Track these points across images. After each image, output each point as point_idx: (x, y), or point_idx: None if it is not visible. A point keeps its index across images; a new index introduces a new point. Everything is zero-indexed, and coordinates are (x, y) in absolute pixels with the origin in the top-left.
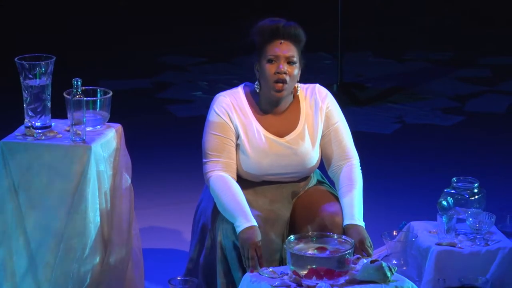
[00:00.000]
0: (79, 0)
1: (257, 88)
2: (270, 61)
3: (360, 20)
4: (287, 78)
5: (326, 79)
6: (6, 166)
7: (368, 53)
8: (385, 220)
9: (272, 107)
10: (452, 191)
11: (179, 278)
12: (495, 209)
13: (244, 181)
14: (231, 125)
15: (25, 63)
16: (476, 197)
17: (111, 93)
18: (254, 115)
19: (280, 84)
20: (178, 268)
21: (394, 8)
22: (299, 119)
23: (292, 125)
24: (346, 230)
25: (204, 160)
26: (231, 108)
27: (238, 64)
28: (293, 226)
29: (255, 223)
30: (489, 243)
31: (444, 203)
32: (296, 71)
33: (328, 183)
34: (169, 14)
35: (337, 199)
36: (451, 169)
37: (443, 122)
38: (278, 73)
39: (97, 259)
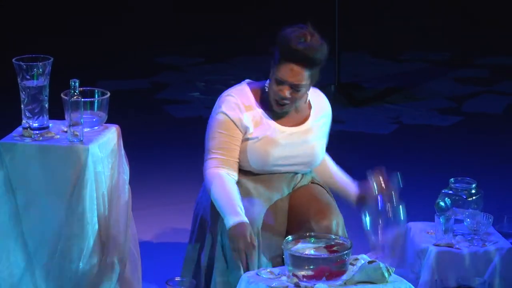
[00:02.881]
0: (79, 0)
1: (267, 88)
2: (277, 81)
3: (357, 20)
4: (288, 101)
5: (323, 80)
6: (4, 167)
7: (365, 53)
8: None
9: None
10: (450, 191)
11: (177, 279)
12: (493, 210)
13: (245, 171)
14: (239, 124)
15: (22, 64)
16: (474, 197)
17: (108, 94)
18: (263, 109)
19: (279, 106)
20: (176, 269)
21: (391, 9)
22: (310, 115)
23: (303, 117)
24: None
25: (206, 157)
26: (241, 106)
27: (236, 64)
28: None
29: (246, 220)
30: (486, 243)
31: (442, 203)
32: (301, 94)
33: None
34: (167, 14)
35: (326, 200)
36: (449, 170)
37: (441, 122)
38: (279, 97)
39: (95, 260)
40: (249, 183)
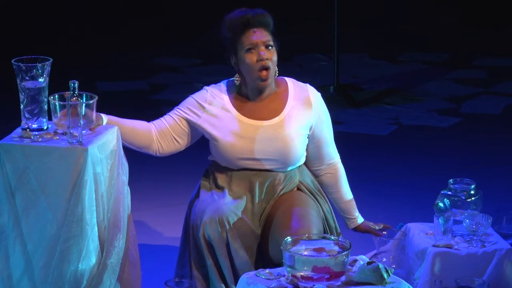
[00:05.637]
0: (77, 1)
1: (237, 81)
2: (249, 50)
3: (356, 22)
4: (270, 63)
5: (322, 81)
6: (3, 168)
7: (364, 54)
8: (381, 222)
9: (256, 96)
10: (449, 192)
11: (176, 280)
12: (492, 211)
13: (222, 167)
14: (192, 119)
15: (21, 64)
16: (473, 198)
17: (96, 98)
18: (234, 104)
19: (265, 72)
20: (175, 270)
21: (390, 10)
22: (284, 107)
23: (275, 112)
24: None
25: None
26: (206, 102)
27: None
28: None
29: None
30: (485, 244)
31: (441, 204)
32: (275, 55)
33: (311, 183)
34: (166, 14)
35: (300, 211)
36: (448, 171)
37: (439, 123)
38: (260, 60)
39: (94, 261)
40: (224, 184)
